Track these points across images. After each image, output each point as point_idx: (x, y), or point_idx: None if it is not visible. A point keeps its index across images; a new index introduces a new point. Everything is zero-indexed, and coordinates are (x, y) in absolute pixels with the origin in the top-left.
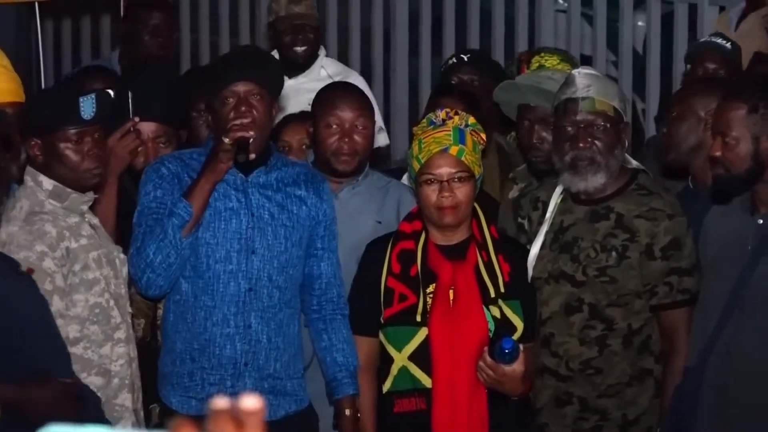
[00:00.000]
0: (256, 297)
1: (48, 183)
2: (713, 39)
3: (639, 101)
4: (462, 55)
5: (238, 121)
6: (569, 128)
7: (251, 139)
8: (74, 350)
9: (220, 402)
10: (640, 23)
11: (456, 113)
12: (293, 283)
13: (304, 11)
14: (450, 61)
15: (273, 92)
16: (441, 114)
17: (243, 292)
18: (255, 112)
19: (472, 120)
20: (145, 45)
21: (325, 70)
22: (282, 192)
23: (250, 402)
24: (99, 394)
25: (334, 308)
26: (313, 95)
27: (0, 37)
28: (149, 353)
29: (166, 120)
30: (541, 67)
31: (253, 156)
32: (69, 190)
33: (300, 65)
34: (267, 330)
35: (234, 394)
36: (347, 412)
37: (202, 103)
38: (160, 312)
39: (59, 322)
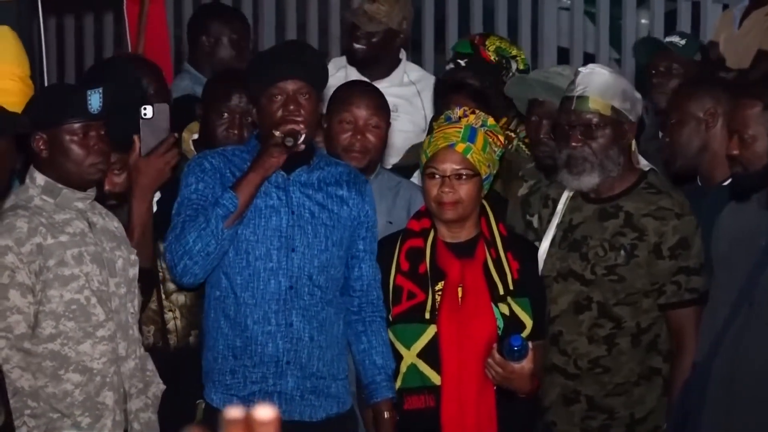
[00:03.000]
0: (297, 295)
1: (41, 179)
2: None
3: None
4: (459, 60)
5: (290, 117)
6: (566, 126)
7: (301, 134)
8: (51, 346)
9: (234, 411)
10: (643, 21)
11: (473, 112)
12: (334, 283)
13: (372, 12)
14: (447, 66)
15: (319, 89)
16: (459, 111)
17: (284, 290)
18: (303, 111)
19: (491, 121)
20: (221, 60)
21: (408, 76)
22: (323, 191)
23: (264, 412)
24: (78, 391)
25: (374, 310)
26: (395, 99)
27: None
28: (162, 357)
29: (120, 146)
30: (498, 48)
31: (302, 146)
32: (60, 186)
33: (356, 63)
34: (309, 328)
35: (276, 392)
36: (386, 414)
37: (224, 108)
38: (167, 317)
39: (16, 318)
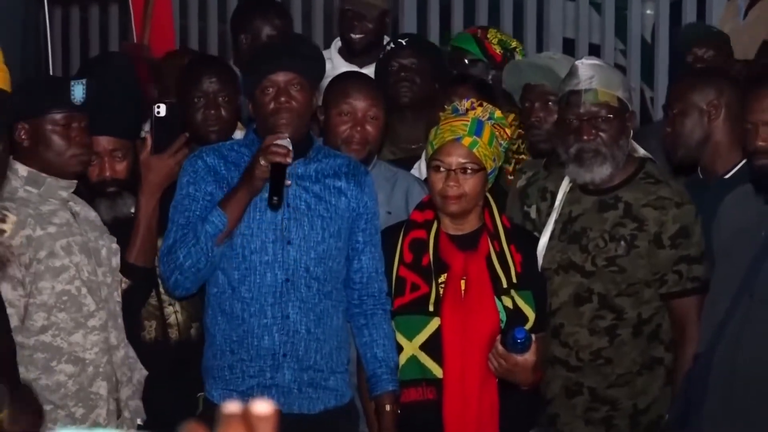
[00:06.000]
0: (294, 288)
1: (23, 170)
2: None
3: (647, 90)
4: (400, 40)
5: (278, 141)
6: (574, 120)
7: (288, 158)
8: (43, 338)
9: (232, 406)
10: (648, 11)
11: (480, 104)
12: (333, 275)
13: None
14: (388, 47)
15: (313, 79)
16: (466, 104)
17: (280, 282)
18: (294, 103)
19: (498, 114)
20: None
21: None
22: (321, 183)
23: (262, 407)
24: (71, 382)
25: (375, 303)
26: None
27: (8, 26)
28: (164, 351)
29: (122, 133)
30: (501, 41)
31: (289, 161)
32: (44, 175)
33: (356, 52)
34: (306, 321)
35: (274, 385)
36: (387, 407)
37: (197, 92)
38: (167, 311)
39: (9, 311)
